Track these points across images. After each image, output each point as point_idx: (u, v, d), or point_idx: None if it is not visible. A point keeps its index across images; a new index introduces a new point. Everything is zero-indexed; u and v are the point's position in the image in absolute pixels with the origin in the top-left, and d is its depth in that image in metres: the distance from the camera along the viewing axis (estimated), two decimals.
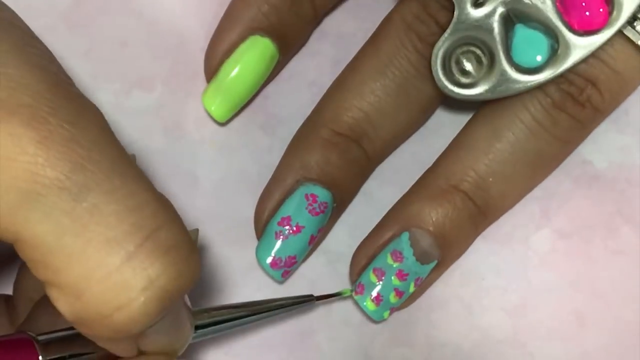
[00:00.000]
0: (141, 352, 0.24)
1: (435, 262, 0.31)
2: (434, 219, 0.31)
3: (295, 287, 0.33)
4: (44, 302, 0.27)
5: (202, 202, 0.34)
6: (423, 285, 0.32)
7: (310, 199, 0.31)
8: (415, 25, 0.31)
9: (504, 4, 0.29)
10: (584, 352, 0.33)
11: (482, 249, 0.33)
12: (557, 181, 0.34)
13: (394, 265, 0.31)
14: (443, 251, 0.31)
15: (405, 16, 0.31)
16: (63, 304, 0.21)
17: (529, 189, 0.33)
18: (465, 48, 0.30)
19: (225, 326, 0.29)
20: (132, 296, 0.21)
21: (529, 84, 0.30)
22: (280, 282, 0.33)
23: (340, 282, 0.33)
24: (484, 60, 0.30)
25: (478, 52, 0.30)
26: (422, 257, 0.31)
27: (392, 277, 0.31)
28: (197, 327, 0.28)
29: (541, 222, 0.34)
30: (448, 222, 0.31)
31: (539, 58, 0.30)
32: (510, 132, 0.31)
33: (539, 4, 0.29)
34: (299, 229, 0.31)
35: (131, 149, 0.34)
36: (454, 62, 0.30)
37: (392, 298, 0.31)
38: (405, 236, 0.31)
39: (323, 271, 0.33)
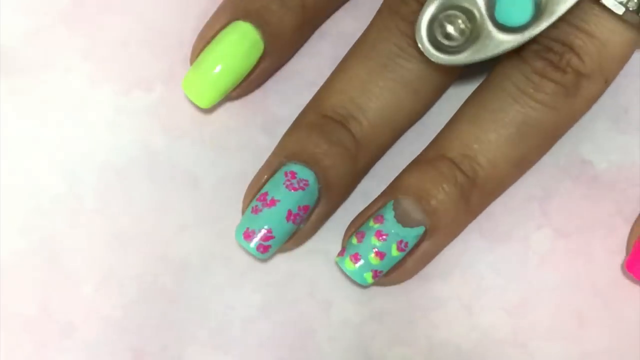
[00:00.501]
0: None
1: (422, 228, 0.31)
2: (417, 185, 0.31)
3: (295, 287, 0.33)
4: None
5: (202, 202, 0.34)
6: (418, 256, 0.32)
7: (289, 175, 0.31)
8: (397, 6, 0.31)
9: None
10: (584, 352, 0.33)
11: (482, 248, 0.33)
12: (557, 181, 0.34)
13: (374, 227, 0.31)
14: (430, 216, 0.31)
15: (390, 2, 0.32)
16: None
17: (522, 158, 0.32)
18: (448, 12, 0.30)
19: None
20: None
21: (515, 42, 0.30)
22: (261, 260, 0.32)
23: (340, 281, 0.33)
24: (469, 24, 0.30)
25: (462, 16, 0.30)
26: (403, 219, 0.31)
27: (372, 238, 0.31)
28: None
29: (541, 221, 0.34)
30: (432, 187, 0.31)
31: (524, 16, 0.30)
32: (493, 101, 0.31)
33: None
34: (273, 202, 0.31)
35: (131, 149, 0.34)
36: (437, 28, 0.30)
37: (372, 259, 0.31)
38: (390, 203, 0.31)
39: (323, 271, 0.33)
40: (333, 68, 0.34)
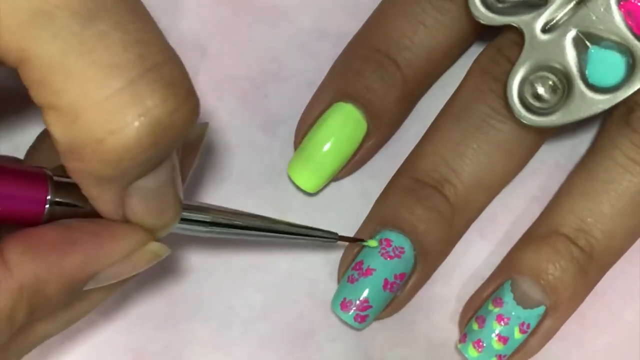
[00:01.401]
0: (126, 220, 0.25)
1: (543, 307, 0.31)
2: (534, 264, 0.31)
3: (294, 286, 0.33)
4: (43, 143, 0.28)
5: (202, 202, 0.34)
6: (541, 334, 0.31)
7: (384, 243, 0.31)
8: (489, 67, 0.31)
9: (574, 26, 0.29)
10: (584, 352, 0.33)
11: (482, 249, 0.33)
12: (557, 181, 0.34)
13: (494, 311, 0.31)
14: (550, 295, 0.31)
15: (481, 61, 0.32)
16: (58, 128, 0.22)
17: (637, 226, 0.32)
18: (539, 74, 0.30)
19: (220, 230, 0.28)
20: (127, 121, 0.21)
21: (608, 103, 0.29)
22: (358, 329, 0.32)
23: None
24: (560, 85, 0.29)
25: (553, 77, 0.30)
26: (524, 302, 0.31)
27: (493, 322, 0.31)
28: (191, 222, 0.27)
29: None
30: (550, 266, 0.31)
31: (616, 77, 0.29)
32: (604, 172, 0.31)
33: (609, 22, 0.29)
34: (369, 272, 0.31)
35: None
36: (529, 89, 0.30)
37: (495, 344, 0.31)
38: (507, 284, 0.31)
39: (323, 270, 0.33)
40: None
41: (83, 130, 0.21)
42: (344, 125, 0.31)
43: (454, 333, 0.33)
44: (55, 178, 0.25)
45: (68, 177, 0.24)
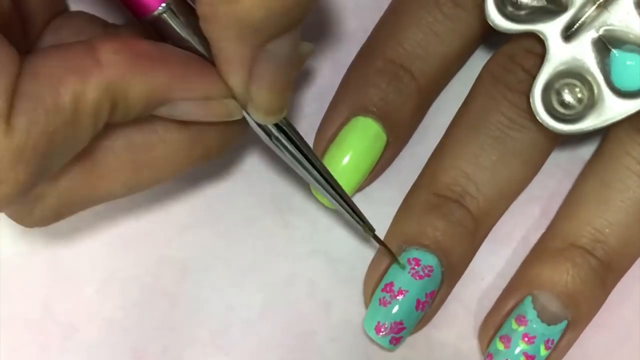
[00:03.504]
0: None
1: (565, 321, 0.31)
2: (554, 279, 0.31)
3: (294, 286, 0.33)
4: None
5: (202, 202, 0.34)
6: (561, 347, 0.31)
7: (413, 262, 0.31)
8: (503, 76, 0.31)
9: (596, 31, 0.29)
10: (584, 352, 0.33)
11: (482, 249, 0.33)
12: (557, 181, 0.34)
13: (519, 330, 0.31)
14: (571, 309, 0.31)
15: (492, 70, 0.31)
16: None
17: None
18: (565, 81, 0.29)
19: (294, 155, 0.29)
20: None
21: (636, 107, 0.29)
22: (391, 350, 0.32)
23: (340, 282, 0.33)
24: (584, 91, 0.29)
25: (577, 84, 0.29)
26: (547, 318, 0.31)
27: (519, 342, 0.31)
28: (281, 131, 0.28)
29: (541, 222, 0.34)
30: (570, 280, 0.31)
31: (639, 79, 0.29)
32: (617, 180, 0.31)
33: (631, 26, 0.29)
34: (401, 293, 0.31)
35: None
36: (555, 97, 0.29)
37: None
38: (527, 300, 0.31)
39: (323, 271, 0.33)
40: (333, 68, 0.34)
41: None
42: (364, 139, 0.31)
43: (454, 333, 0.33)
44: None
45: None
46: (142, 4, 0.26)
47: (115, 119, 0.25)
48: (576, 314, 0.31)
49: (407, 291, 0.31)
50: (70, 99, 0.23)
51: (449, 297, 0.33)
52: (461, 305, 0.33)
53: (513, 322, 0.31)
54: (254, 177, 0.34)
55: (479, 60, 0.33)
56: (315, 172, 0.29)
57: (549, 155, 0.33)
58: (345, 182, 0.32)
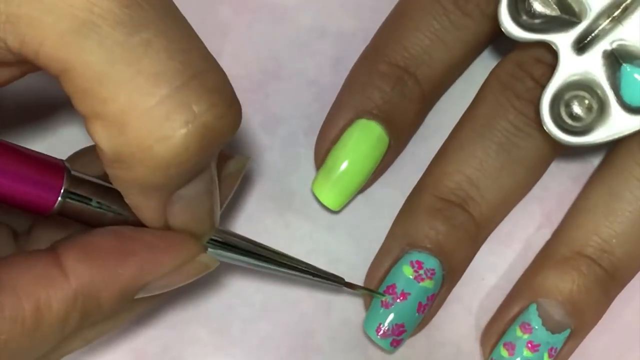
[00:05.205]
0: (167, 228, 0.25)
1: (569, 330, 0.31)
2: (560, 287, 0.31)
3: (294, 287, 0.33)
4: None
5: None
6: (563, 355, 0.31)
7: (416, 265, 0.31)
8: (511, 83, 0.31)
9: (608, 44, 0.29)
10: (584, 352, 0.33)
11: (482, 249, 0.33)
12: (557, 181, 0.34)
13: (524, 337, 0.31)
14: (575, 318, 0.31)
15: (501, 76, 0.31)
16: (104, 137, 0.22)
17: None
18: (574, 93, 0.29)
19: (242, 258, 0.28)
20: (175, 127, 0.21)
21: None
22: (391, 352, 0.32)
23: None
24: (594, 104, 0.29)
25: (586, 96, 0.29)
26: (552, 326, 0.31)
27: (523, 350, 0.31)
28: (219, 244, 0.28)
29: (541, 222, 0.34)
30: (575, 289, 0.31)
31: None
32: (627, 191, 0.31)
33: None
34: (404, 296, 0.31)
35: None
36: (564, 109, 0.29)
37: None
38: (532, 307, 0.31)
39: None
40: (333, 68, 0.34)
41: (131, 138, 0.21)
42: (367, 142, 0.31)
43: (454, 333, 0.33)
44: (73, 172, 0.25)
45: (86, 174, 0.24)
46: (40, 204, 0.24)
47: (91, 321, 0.25)
48: (579, 322, 0.31)
49: (409, 294, 0.31)
50: (32, 309, 0.23)
51: (449, 298, 0.33)
52: (461, 306, 0.33)
53: (518, 329, 0.31)
54: (254, 177, 0.34)
55: (479, 60, 0.33)
56: (268, 264, 0.29)
57: (550, 163, 0.33)
58: (347, 184, 0.32)
